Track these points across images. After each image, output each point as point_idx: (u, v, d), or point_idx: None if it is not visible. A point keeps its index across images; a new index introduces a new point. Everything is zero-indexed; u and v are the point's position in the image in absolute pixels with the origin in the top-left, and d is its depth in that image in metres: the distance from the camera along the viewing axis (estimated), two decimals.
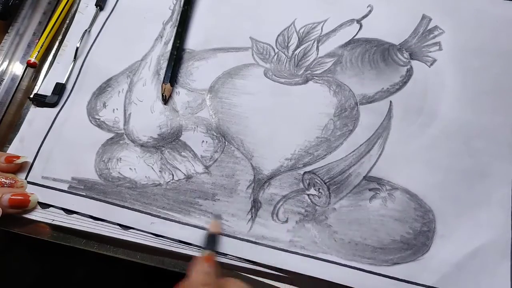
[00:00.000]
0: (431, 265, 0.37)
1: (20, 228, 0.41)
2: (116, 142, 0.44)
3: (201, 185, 0.42)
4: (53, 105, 0.46)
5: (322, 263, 0.38)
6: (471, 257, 0.38)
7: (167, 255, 0.40)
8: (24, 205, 0.40)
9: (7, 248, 0.46)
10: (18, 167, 0.42)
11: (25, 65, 0.49)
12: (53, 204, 0.41)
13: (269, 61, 0.47)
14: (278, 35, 0.48)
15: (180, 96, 0.46)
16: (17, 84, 0.49)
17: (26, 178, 0.42)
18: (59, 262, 0.36)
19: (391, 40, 0.47)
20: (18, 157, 0.42)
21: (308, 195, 0.41)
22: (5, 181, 0.41)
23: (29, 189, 0.42)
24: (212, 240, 0.38)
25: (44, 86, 0.47)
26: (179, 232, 0.40)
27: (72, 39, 0.50)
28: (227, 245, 0.39)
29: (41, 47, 0.49)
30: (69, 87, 0.47)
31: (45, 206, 0.41)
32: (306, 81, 0.46)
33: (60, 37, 0.50)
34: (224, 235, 0.40)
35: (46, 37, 0.49)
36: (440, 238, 0.38)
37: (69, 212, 0.41)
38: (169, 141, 0.44)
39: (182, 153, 0.43)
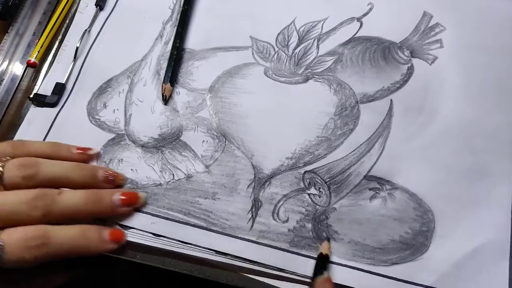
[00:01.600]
0: (430, 265, 0.37)
1: None
2: (117, 143, 0.44)
3: (201, 184, 0.42)
4: (53, 105, 0.46)
5: None
6: (470, 257, 0.37)
7: (167, 255, 0.40)
8: (135, 202, 0.39)
9: None
10: (90, 158, 0.42)
11: (25, 65, 0.49)
12: None
13: (269, 60, 0.47)
14: (278, 34, 0.48)
15: (181, 96, 0.46)
16: (17, 84, 0.49)
17: None
18: (59, 262, 0.36)
19: (391, 38, 0.47)
20: (89, 148, 0.42)
21: (308, 194, 0.41)
22: (106, 174, 0.40)
23: None
24: (326, 261, 0.38)
25: (44, 86, 0.47)
26: (179, 232, 0.40)
27: (72, 39, 0.50)
28: (227, 245, 0.39)
29: (41, 47, 0.49)
30: (69, 87, 0.47)
31: None
32: (306, 80, 0.46)
33: (60, 37, 0.50)
34: (225, 235, 0.40)
35: (46, 37, 0.49)
36: (439, 238, 0.38)
37: None
38: (169, 141, 0.44)
39: (183, 153, 0.43)
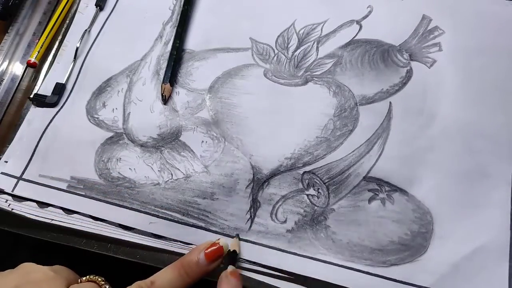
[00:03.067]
0: (428, 267, 0.37)
1: (21, 228, 0.41)
2: (115, 142, 0.44)
3: (200, 184, 0.42)
4: (53, 105, 0.46)
5: (320, 264, 0.38)
6: (469, 258, 0.37)
7: (167, 255, 0.40)
8: (220, 253, 0.37)
9: (9, 253, 0.46)
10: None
11: (25, 65, 0.49)
12: (52, 203, 0.41)
13: (268, 61, 0.47)
14: (278, 36, 0.48)
15: (180, 96, 0.46)
16: (17, 84, 0.49)
17: (22, 176, 0.42)
18: (59, 262, 0.36)
19: (391, 41, 0.47)
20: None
21: (307, 195, 0.41)
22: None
23: (26, 187, 0.42)
24: (233, 257, 0.38)
25: (44, 86, 0.47)
26: (178, 232, 0.40)
27: (72, 39, 0.50)
28: None
29: (41, 47, 0.49)
30: (69, 87, 0.47)
31: (43, 205, 0.41)
32: (306, 82, 0.46)
33: (60, 37, 0.50)
34: (223, 235, 0.40)
35: (46, 37, 0.49)
36: (438, 240, 0.38)
37: (68, 212, 0.41)
38: (168, 141, 0.44)
39: (182, 153, 0.43)
